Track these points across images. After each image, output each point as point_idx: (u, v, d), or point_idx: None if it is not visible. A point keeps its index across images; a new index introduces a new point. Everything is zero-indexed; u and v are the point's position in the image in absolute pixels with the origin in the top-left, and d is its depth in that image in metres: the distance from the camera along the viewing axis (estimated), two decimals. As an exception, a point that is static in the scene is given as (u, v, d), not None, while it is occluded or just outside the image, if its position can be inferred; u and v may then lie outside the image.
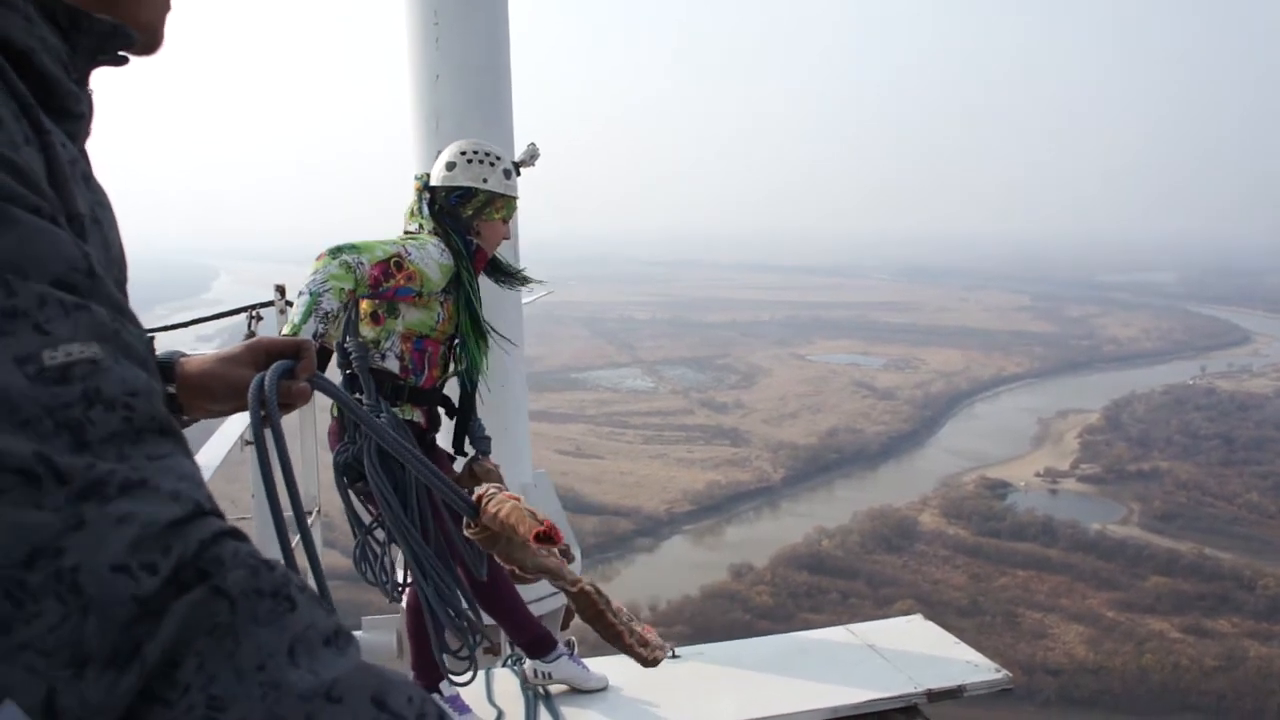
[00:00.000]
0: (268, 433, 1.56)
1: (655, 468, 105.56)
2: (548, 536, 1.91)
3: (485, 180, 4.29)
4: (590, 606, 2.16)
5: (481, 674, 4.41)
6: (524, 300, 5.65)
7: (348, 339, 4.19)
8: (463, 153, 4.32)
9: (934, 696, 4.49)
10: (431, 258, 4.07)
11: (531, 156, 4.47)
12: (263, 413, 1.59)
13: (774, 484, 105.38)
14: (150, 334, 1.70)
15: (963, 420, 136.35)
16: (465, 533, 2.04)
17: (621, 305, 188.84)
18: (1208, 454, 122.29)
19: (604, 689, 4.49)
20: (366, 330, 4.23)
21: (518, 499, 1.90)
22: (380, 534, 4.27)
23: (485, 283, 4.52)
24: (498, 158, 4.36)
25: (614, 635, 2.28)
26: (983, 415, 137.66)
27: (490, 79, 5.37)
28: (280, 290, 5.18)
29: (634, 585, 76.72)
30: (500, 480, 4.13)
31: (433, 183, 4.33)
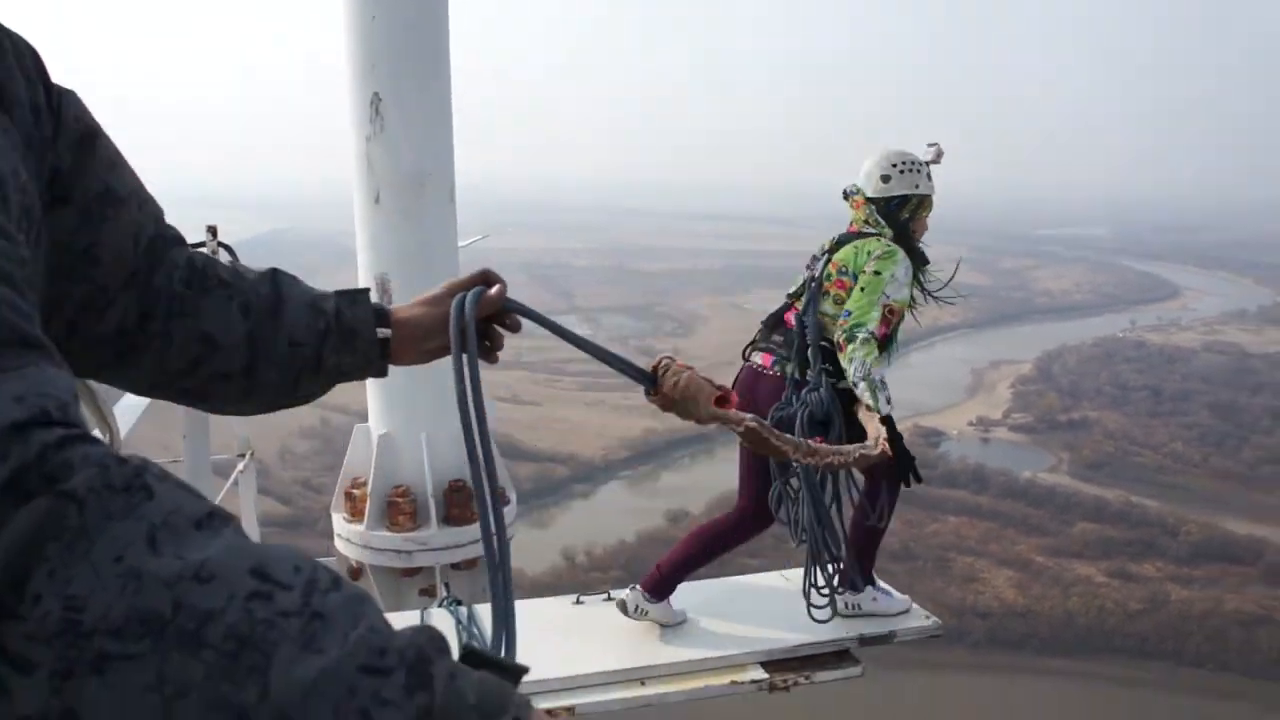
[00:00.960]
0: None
1: (592, 415, 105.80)
2: (725, 399, 2.18)
3: (917, 186, 4.94)
4: (755, 437, 2.51)
5: (416, 615, 4.44)
6: (459, 244, 5.62)
7: (807, 314, 4.88)
8: (894, 165, 4.92)
9: (865, 641, 4.58)
10: (902, 283, 4.83)
11: (939, 155, 5.09)
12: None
13: (710, 431, 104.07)
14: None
15: (897, 370, 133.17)
16: (648, 399, 2.36)
17: (559, 252, 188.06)
18: (1136, 405, 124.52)
19: (908, 610, 4.89)
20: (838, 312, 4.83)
21: (692, 369, 2.16)
22: (794, 481, 4.85)
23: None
24: (922, 163, 4.98)
25: (781, 455, 2.72)
26: (917, 365, 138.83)
27: (430, 26, 5.29)
28: (212, 231, 5.11)
29: (570, 531, 77.07)
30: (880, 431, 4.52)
31: (870, 194, 4.94)
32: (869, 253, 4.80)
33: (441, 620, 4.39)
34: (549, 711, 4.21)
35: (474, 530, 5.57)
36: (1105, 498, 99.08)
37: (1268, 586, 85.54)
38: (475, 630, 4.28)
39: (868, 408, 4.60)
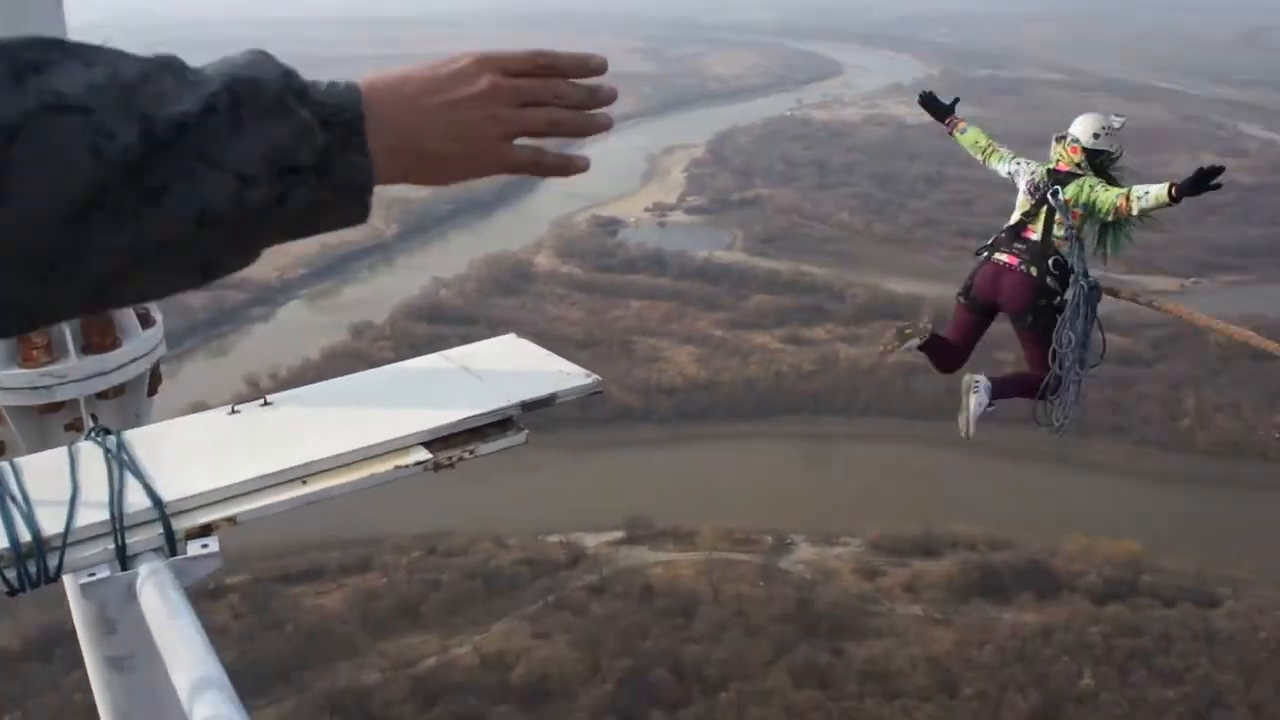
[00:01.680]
0: None
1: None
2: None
3: (1113, 145, 7.61)
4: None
5: (64, 450, 4.35)
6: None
7: (1058, 235, 7.55)
8: (1103, 128, 7.57)
9: (528, 406, 4.75)
10: None
11: (1123, 125, 7.93)
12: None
13: (387, 239, 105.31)
14: None
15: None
16: None
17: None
18: (804, 180, 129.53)
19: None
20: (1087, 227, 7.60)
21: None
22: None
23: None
24: (1117, 129, 7.69)
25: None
26: (593, 155, 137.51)
27: None
28: None
29: (252, 356, 74.93)
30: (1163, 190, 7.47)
31: (1085, 145, 7.48)
32: (1090, 186, 7.34)
33: (91, 453, 4.30)
34: (205, 526, 4.26)
35: (118, 356, 5.45)
36: (778, 269, 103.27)
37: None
38: (126, 458, 4.25)
39: (1160, 198, 7.08)
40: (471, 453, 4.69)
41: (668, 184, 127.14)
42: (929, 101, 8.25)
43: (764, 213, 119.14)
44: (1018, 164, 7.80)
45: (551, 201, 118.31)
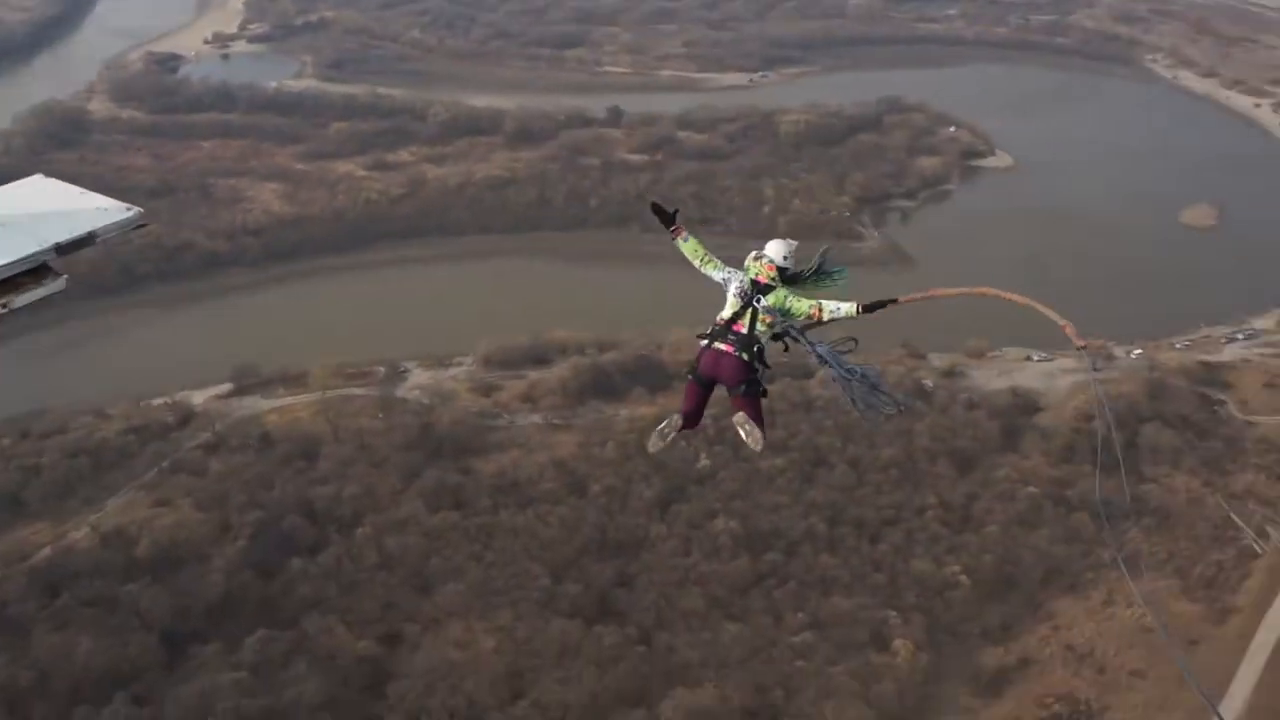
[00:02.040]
0: None
1: None
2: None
3: (797, 263, 10.30)
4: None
5: None
6: None
7: (755, 330, 10.02)
8: (791, 251, 10.25)
9: (63, 249, 4.21)
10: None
11: (797, 247, 10.47)
12: None
13: None
14: None
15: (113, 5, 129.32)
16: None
17: None
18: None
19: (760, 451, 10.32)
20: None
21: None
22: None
23: None
24: (795, 252, 10.35)
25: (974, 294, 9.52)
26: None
27: None
28: None
29: None
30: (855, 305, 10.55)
31: (778, 264, 10.16)
32: (786, 296, 9.90)
33: None
34: None
35: None
36: (354, 94, 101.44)
37: (510, 151, 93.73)
38: None
39: (849, 312, 9.73)
40: (4, 306, 4.08)
41: (226, 12, 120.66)
42: (657, 210, 10.12)
43: (332, 36, 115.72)
44: (729, 272, 10.18)
45: (97, 41, 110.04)
